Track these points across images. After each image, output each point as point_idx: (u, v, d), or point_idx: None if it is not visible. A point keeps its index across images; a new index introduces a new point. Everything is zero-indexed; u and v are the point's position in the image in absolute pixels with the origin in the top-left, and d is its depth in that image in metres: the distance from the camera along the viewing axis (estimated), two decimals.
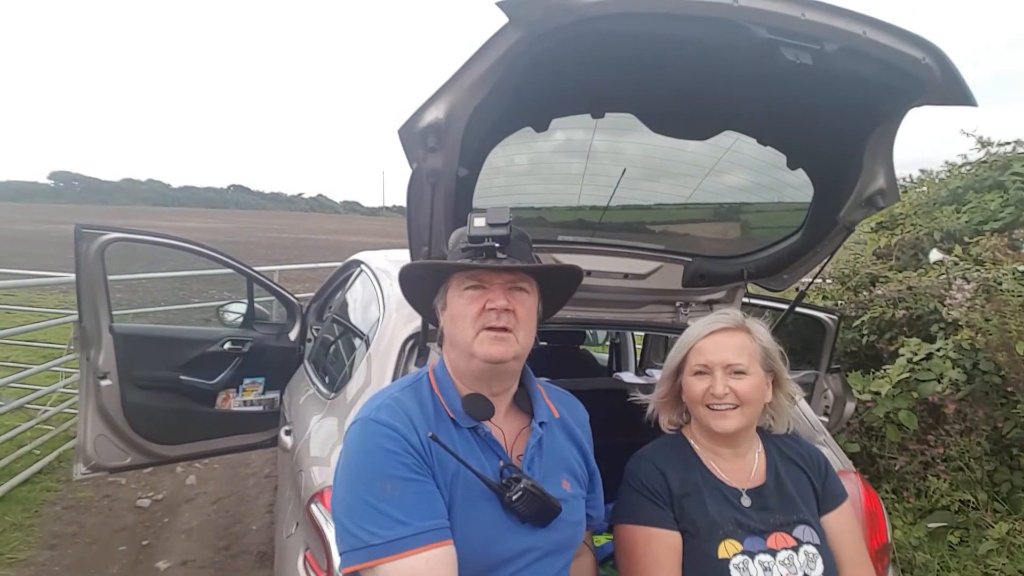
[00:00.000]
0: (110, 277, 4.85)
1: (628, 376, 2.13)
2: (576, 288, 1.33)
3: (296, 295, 3.52)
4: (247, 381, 3.31)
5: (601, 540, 2.09)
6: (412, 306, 1.36)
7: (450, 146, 1.39)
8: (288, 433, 2.20)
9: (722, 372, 1.35)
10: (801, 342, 3.62)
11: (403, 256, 1.66)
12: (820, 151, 1.72)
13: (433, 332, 1.31)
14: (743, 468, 1.40)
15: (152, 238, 3.06)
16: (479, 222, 1.16)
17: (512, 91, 1.36)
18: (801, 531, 1.33)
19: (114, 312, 2.93)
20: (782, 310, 2.76)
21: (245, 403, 3.30)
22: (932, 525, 3.14)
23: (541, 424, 1.25)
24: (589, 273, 1.94)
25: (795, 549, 1.30)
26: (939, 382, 3.17)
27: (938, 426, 3.32)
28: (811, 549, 1.31)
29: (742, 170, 1.87)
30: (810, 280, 2.22)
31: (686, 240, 2.12)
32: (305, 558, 1.55)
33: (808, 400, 2.98)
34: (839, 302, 4.23)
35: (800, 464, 1.43)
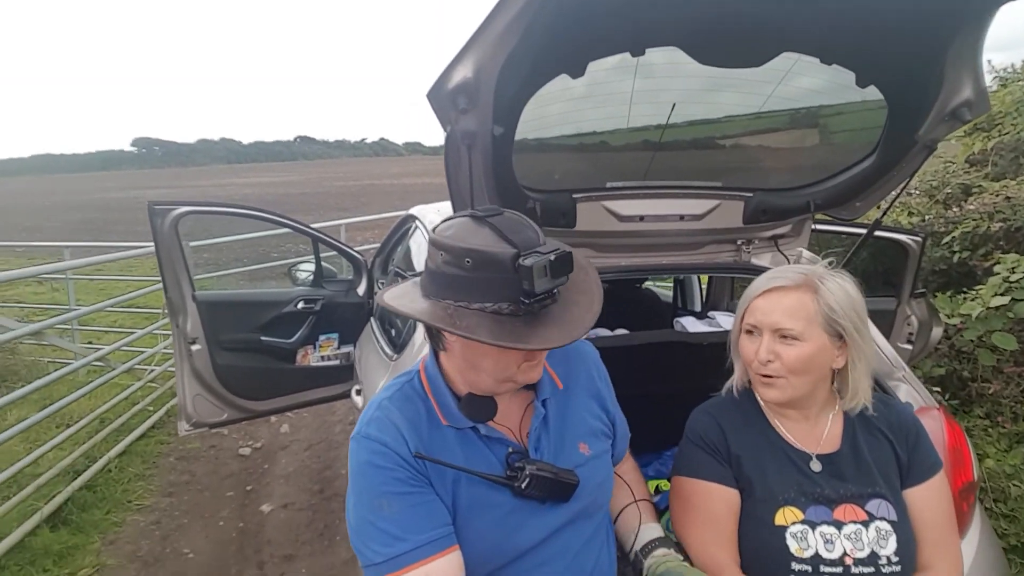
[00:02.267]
0: (192, 243, 5.15)
1: (690, 322, 2.06)
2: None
3: (364, 247, 3.60)
4: (322, 337, 3.48)
5: (668, 485, 2.10)
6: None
7: (482, 105, 1.33)
8: (359, 393, 2.29)
9: (770, 335, 1.24)
10: (882, 267, 3.40)
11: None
12: (894, 64, 1.54)
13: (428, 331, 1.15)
14: (813, 431, 1.30)
15: (218, 208, 3.19)
16: (542, 284, 0.94)
17: (542, 38, 1.27)
18: (875, 505, 1.22)
19: (199, 276, 3.11)
20: (858, 235, 2.59)
21: (323, 358, 3.48)
22: None
23: (544, 401, 1.18)
24: (642, 218, 1.87)
25: (865, 524, 1.20)
26: None
27: None
28: (884, 526, 1.20)
29: (804, 93, 1.71)
30: (889, 203, 2.04)
31: (745, 174, 1.99)
32: None
33: (887, 330, 2.82)
34: (926, 217, 3.90)
35: (885, 432, 1.29)
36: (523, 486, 1.07)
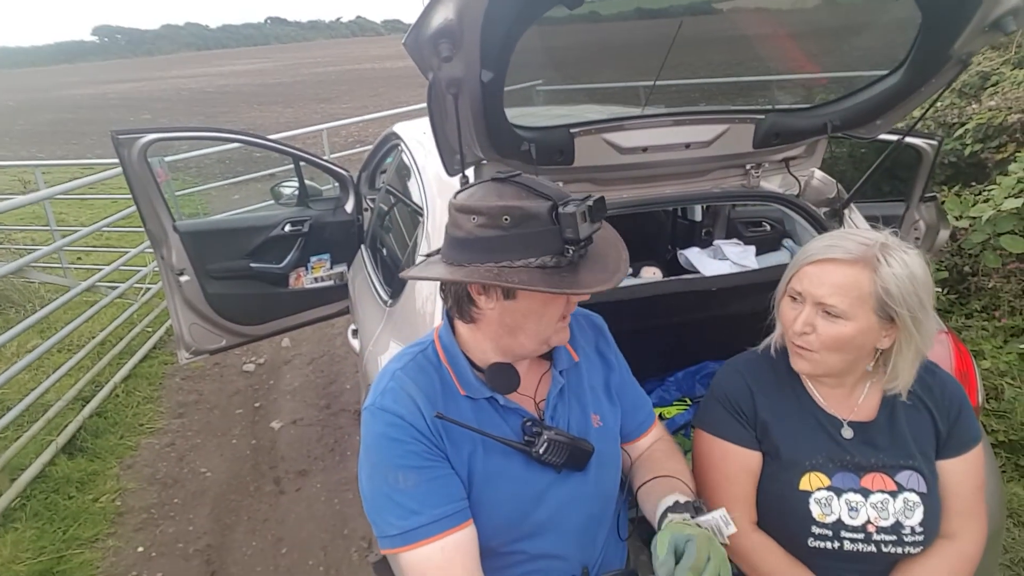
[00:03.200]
0: (168, 158, 4.88)
1: (696, 255, 1.98)
2: None
3: (348, 152, 3.40)
4: (314, 259, 3.41)
5: (672, 412, 2.13)
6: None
7: (468, 49, 1.16)
8: (355, 335, 2.25)
9: (811, 307, 1.16)
10: (892, 166, 3.26)
11: None
12: None
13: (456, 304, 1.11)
14: (848, 398, 1.26)
15: (188, 133, 2.99)
16: (584, 229, 0.96)
17: None
18: (906, 477, 1.20)
19: (183, 192, 2.96)
20: (881, 141, 2.45)
21: (316, 279, 3.43)
22: None
23: (562, 372, 1.19)
24: (645, 149, 1.74)
25: (893, 495, 1.19)
26: None
27: None
28: (913, 497, 1.18)
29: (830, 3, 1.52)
30: (917, 118, 1.88)
31: (757, 94, 1.82)
32: None
33: (896, 234, 2.74)
34: (938, 106, 3.69)
35: (927, 403, 1.24)
36: (541, 451, 1.08)
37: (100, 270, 4.65)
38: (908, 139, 2.61)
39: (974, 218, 2.95)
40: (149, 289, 5.11)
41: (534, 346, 1.10)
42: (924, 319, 1.14)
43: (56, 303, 3.70)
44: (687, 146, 1.75)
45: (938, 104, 3.88)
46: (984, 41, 1.52)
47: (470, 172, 1.56)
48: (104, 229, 5.06)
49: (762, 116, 1.75)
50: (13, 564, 2.54)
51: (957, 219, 3.03)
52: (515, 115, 1.46)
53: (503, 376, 1.11)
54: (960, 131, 3.51)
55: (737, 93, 1.80)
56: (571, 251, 0.97)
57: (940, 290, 3.42)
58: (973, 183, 3.48)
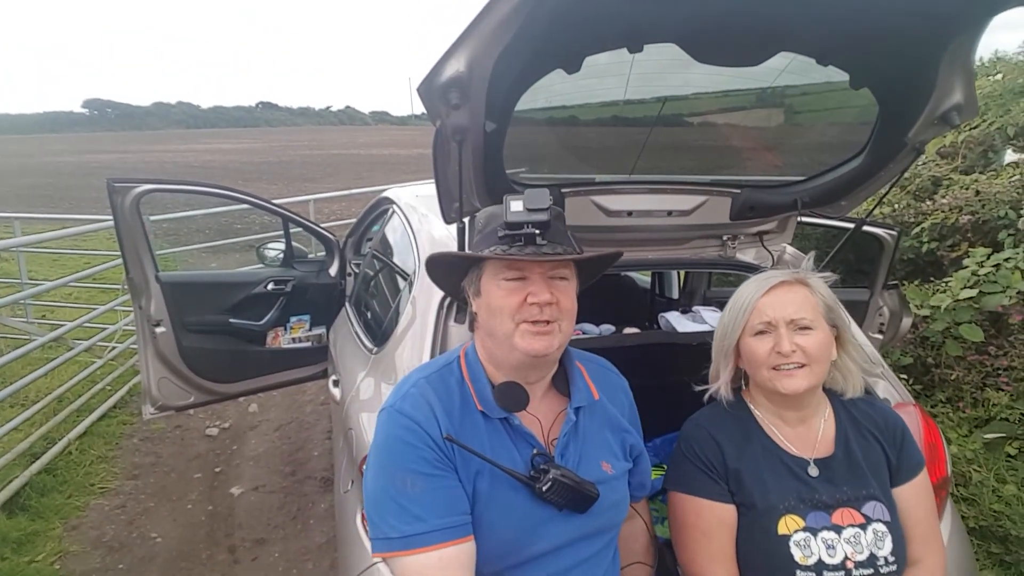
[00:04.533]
0: (152, 217, 4.93)
1: (675, 318, 2.06)
2: (610, 265, 1.26)
3: (335, 222, 3.49)
4: (293, 319, 3.40)
5: (656, 474, 2.12)
6: (438, 286, 1.30)
7: (475, 100, 1.27)
8: (336, 384, 2.24)
9: (786, 328, 1.25)
10: (855, 258, 3.45)
11: (432, 191, 1.58)
12: (888, 67, 1.52)
13: (463, 315, 1.24)
14: (808, 435, 1.32)
15: (182, 186, 3.05)
16: (516, 206, 1.07)
17: (539, 32, 1.21)
18: (871, 508, 1.25)
19: (160, 252, 2.98)
20: (841, 229, 2.61)
21: (294, 340, 3.41)
22: (989, 436, 3.08)
23: (577, 410, 1.20)
24: (630, 213, 1.84)
25: (863, 527, 1.23)
26: (1005, 293, 2.99)
27: (1000, 336, 3.18)
28: (880, 527, 1.23)
29: (797, 92, 1.69)
30: (875, 202, 2.05)
31: (734, 171, 1.97)
32: (362, 516, 1.61)
33: (859, 320, 2.87)
34: (897, 207, 3.98)
35: (874, 433, 1.33)
36: (544, 489, 1.08)
37: (65, 325, 4.55)
38: (870, 229, 2.80)
39: (935, 307, 3.12)
40: (115, 348, 4.98)
41: (506, 348, 1.13)
42: (849, 324, 1.33)
43: (14, 353, 3.59)
44: (669, 213, 1.86)
45: (896, 205, 4.17)
46: (934, 132, 1.69)
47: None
48: (73, 285, 5.00)
49: (738, 190, 1.88)
50: None
51: (918, 308, 3.19)
52: (513, 164, 1.56)
53: (511, 394, 1.14)
54: (917, 230, 3.76)
55: (718, 168, 1.94)
56: (504, 234, 1.08)
57: (906, 378, 3.52)
58: (932, 278, 3.69)
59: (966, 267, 3.09)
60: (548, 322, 1.10)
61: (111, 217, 2.80)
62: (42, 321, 5.84)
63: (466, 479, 1.09)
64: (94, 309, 5.06)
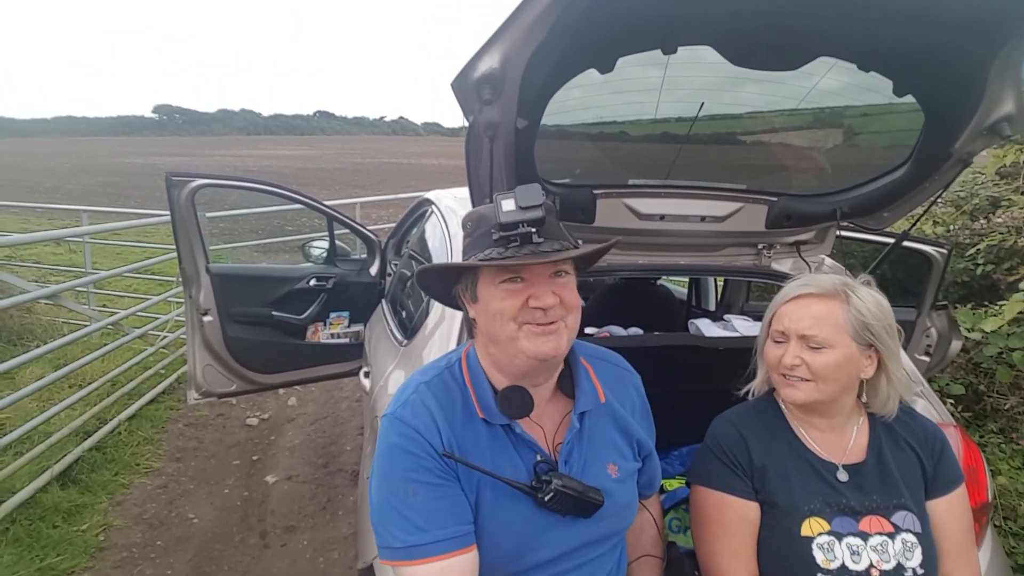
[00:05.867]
0: (209, 214, 5.16)
1: (705, 324, 2.03)
2: (604, 253, 1.18)
3: (378, 226, 3.58)
4: (333, 315, 3.49)
5: (673, 484, 2.10)
6: (430, 295, 1.28)
7: (507, 97, 1.30)
8: (367, 376, 2.29)
9: (796, 342, 1.24)
10: (903, 275, 3.33)
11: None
12: (934, 74, 1.49)
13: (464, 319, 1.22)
14: (839, 441, 1.29)
15: (235, 182, 3.19)
16: (508, 205, 1.02)
17: (573, 31, 1.24)
18: (901, 517, 1.21)
19: (213, 247, 3.11)
20: (884, 244, 2.53)
21: (332, 335, 3.49)
22: None
23: (582, 415, 1.16)
24: (663, 217, 1.84)
25: (891, 536, 1.19)
26: None
27: None
28: (910, 538, 1.19)
29: (837, 97, 1.66)
30: (919, 215, 1.99)
31: (771, 177, 1.94)
32: None
33: (906, 341, 2.77)
34: (951, 228, 3.82)
35: (911, 443, 1.29)
36: (546, 499, 1.06)
37: (121, 313, 4.79)
38: (918, 246, 2.71)
39: (986, 332, 2.98)
40: (166, 337, 5.20)
41: (511, 352, 1.08)
42: (896, 346, 1.25)
43: (74, 335, 3.81)
44: (703, 219, 1.85)
45: (951, 226, 4.01)
46: (983, 143, 1.64)
47: None
48: (131, 276, 5.26)
49: (775, 198, 1.86)
50: None
51: (969, 331, 3.05)
52: (544, 163, 1.58)
53: (515, 400, 1.11)
54: (972, 251, 3.60)
55: (755, 174, 1.92)
56: (498, 235, 1.03)
57: (955, 406, 3.37)
58: (987, 302, 3.53)
59: (1022, 290, 2.94)
60: (553, 322, 1.06)
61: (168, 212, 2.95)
62: (102, 309, 6.15)
63: (468, 488, 1.07)
64: (149, 299, 5.32)
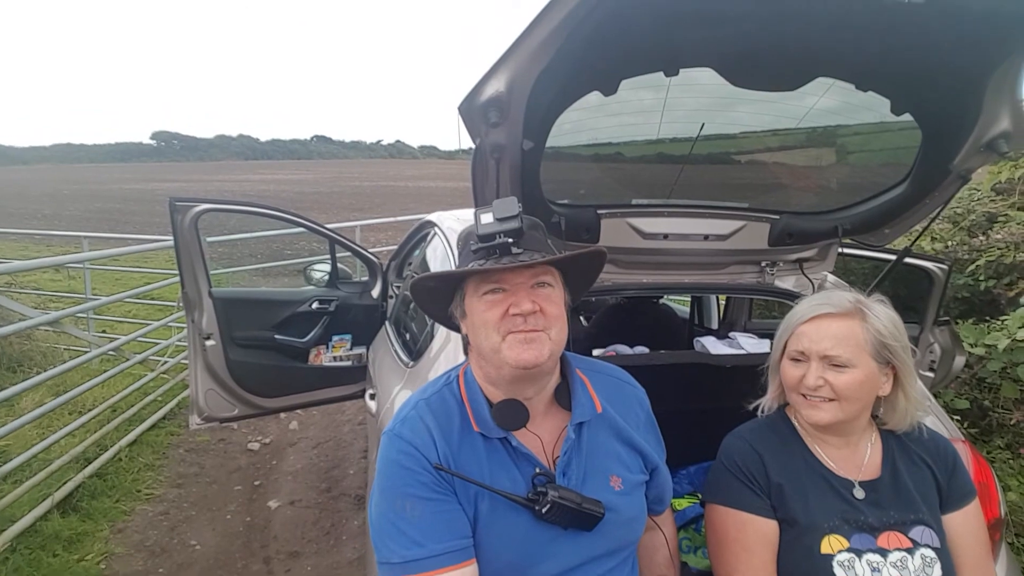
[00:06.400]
0: (209, 239, 5.17)
1: (711, 343, 2.04)
2: (600, 270, 1.21)
3: (378, 248, 3.60)
4: (335, 338, 3.49)
5: (683, 504, 2.08)
6: (428, 316, 1.31)
7: (513, 119, 1.32)
8: (373, 398, 2.29)
9: (818, 362, 1.23)
10: (904, 292, 3.35)
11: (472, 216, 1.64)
12: (931, 93, 1.52)
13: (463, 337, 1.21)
14: (854, 457, 1.28)
15: (238, 207, 3.21)
16: (486, 218, 1.07)
17: (577, 55, 1.26)
18: (919, 532, 1.20)
19: (215, 272, 3.11)
20: (885, 262, 2.55)
21: (335, 358, 3.49)
22: None
23: (579, 426, 1.16)
24: (666, 236, 1.86)
25: (910, 551, 1.18)
26: None
27: None
28: (929, 553, 1.18)
29: (836, 117, 1.69)
30: (919, 231, 2.00)
31: (773, 196, 1.97)
32: None
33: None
34: (950, 244, 3.85)
35: (924, 458, 1.28)
36: (543, 511, 1.06)
37: (121, 339, 4.78)
38: (919, 262, 2.73)
39: (990, 346, 2.98)
40: (167, 362, 5.19)
41: (496, 363, 1.10)
42: (911, 362, 1.26)
43: (74, 361, 3.80)
44: (705, 237, 1.87)
45: (949, 242, 4.04)
46: (981, 160, 1.66)
47: None
48: (131, 301, 5.26)
49: (777, 216, 1.88)
50: None
51: (972, 347, 3.06)
52: (549, 184, 1.60)
53: (509, 412, 1.12)
54: (972, 267, 3.62)
55: (757, 192, 1.94)
56: (478, 247, 1.08)
57: (960, 420, 3.36)
58: (988, 317, 3.54)
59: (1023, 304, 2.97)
60: (533, 329, 1.07)
61: (170, 238, 2.96)
62: (102, 335, 6.13)
63: (466, 502, 1.07)
64: (149, 324, 5.31)
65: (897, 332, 1.25)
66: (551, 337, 1.09)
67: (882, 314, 1.25)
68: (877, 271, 3.25)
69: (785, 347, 1.30)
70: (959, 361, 2.88)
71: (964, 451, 1.75)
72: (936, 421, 1.77)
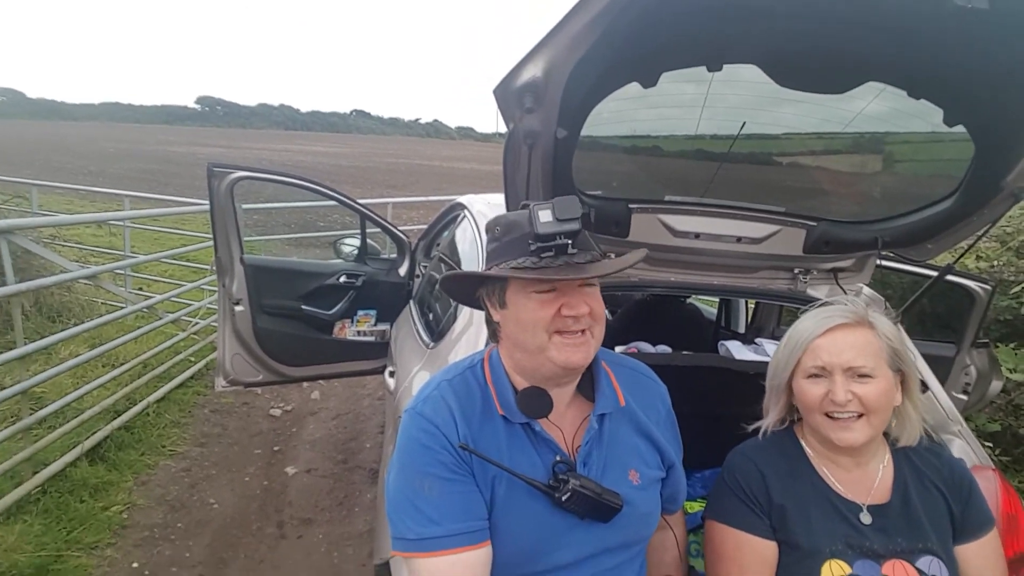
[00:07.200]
0: (245, 206, 5.26)
1: (735, 347, 2.00)
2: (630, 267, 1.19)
3: (409, 227, 3.61)
4: (360, 312, 3.53)
5: (695, 507, 2.06)
6: (451, 297, 1.30)
7: (548, 106, 1.30)
8: (392, 375, 2.31)
9: (843, 376, 1.17)
10: (944, 310, 3.24)
11: (503, 201, 1.62)
12: (987, 106, 1.44)
13: (487, 323, 1.20)
14: (864, 480, 1.24)
15: (274, 176, 3.25)
16: (546, 216, 1.02)
17: (617, 45, 1.24)
18: (927, 563, 1.15)
19: (247, 239, 3.16)
20: (925, 277, 2.47)
21: (359, 333, 3.53)
22: None
23: (601, 417, 1.16)
24: (698, 235, 1.82)
25: None
26: None
27: None
28: None
29: (884, 123, 1.63)
30: (964, 249, 1.93)
31: (811, 201, 1.91)
32: None
33: (943, 378, 2.69)
34: (995, 263, 3.70)
35: (937, 484, 1.23)
36: (563, 499, 1.06)
37: (155, 297, 4.92)
38: (961, 281, 2.63)
39: None
40: (198, 324, 5.32)
41: (538, 360, 1.10)
42: (915, 370, 1.24)
43: (110, 316, 3.92)
44: (738, 239, 1.82)
45: (996, 261, 3.89)
46: None
47: None
48: (167, 261, 5.40)
49: (815, 223, 1.82)
50: (13, 553, 2.53)
51: (1011, 372, 2.95)
52: (581, 174, 1.58)
53: (535, 400, 1.12)
54: (1016, 288, 3.48)
55: (795, 197, 1.89)
56: (535, 246, 1.03)
57: (991, 447, 3.26)
58: None
59: None
60: (583, 331, 1.08)
61: (207, 202, 3.01)
62: (138, 292, 6.32)
63: (483, 484, 1.08)
64: (183, 286, 5.44)
65: (902, 339, 1.24)
66: (594, 335, 1.10)
67: (885, 322, 1.23)
68: (916, 286, 3.15)
69: (797, 366, 1.24)
70: (996, 386, 2.79)
71: (993, 479, 1.68)
72: (964, 446, 1.71)
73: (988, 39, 1.20)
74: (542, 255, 1.04)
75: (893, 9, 1.16)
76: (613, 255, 1.23)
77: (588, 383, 1.20)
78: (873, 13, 1.18)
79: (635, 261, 1.12)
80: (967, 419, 3.00)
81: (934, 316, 3.33)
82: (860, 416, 1.17)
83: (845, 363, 1.18)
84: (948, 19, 1.12)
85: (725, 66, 1.39)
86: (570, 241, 1.04)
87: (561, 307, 1.06)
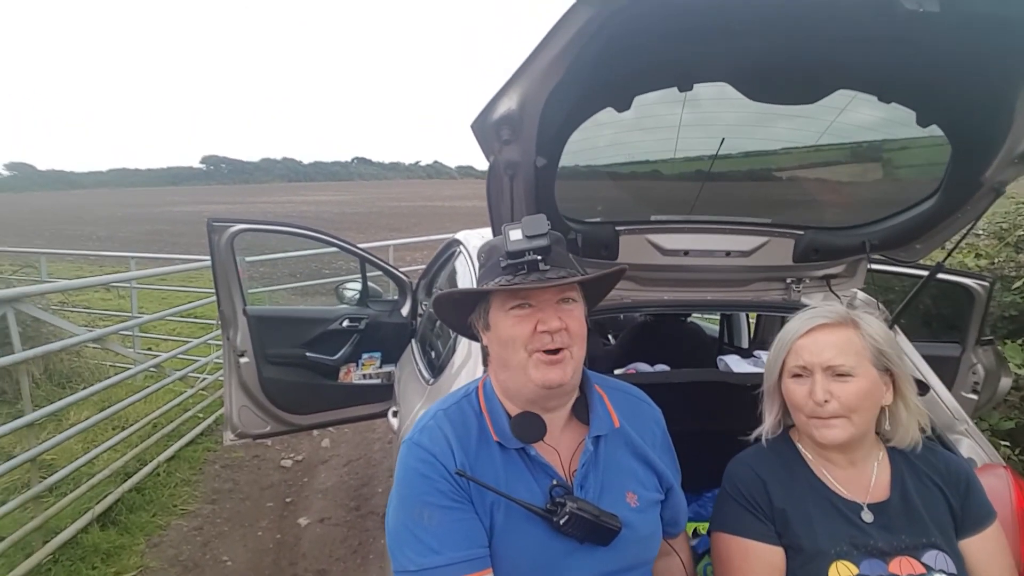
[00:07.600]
0: (248, 258, 5.32)
1: (734, 361, 2.00)
2: (616, 284, 1.24)
3: (411, 268, 3.63)
4: (365, 356, 3.53)
5: (706, 528, 2.02)
6: (446, 324, 1.33)
7: (526, 136, 1.34)
8: (395, 415, 2.31)
9: (822, 375, 1.19)
10: (947, 310, 3.22)
11: None
12: (957, 104, 1.47)
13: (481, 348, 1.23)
14: (860, 478, 1.24)
15: (272, 227, 3.30)
16: (515, 235, 1.09)
17: (588, 72, 1.27)
18: (932, 557, 1.14)
19: (253, 290, 3.19)
20: (919, 278, 2.46)
21: (364, 376, 3.52)
22: None
23: (597, 439, 1.17)
24: (687, 253, 1.84)
25: None
26: None
27: None
28: None
29: (859, 129, 1.65)
30: (952, 246, 1.94)
31: (797, 211, 1.93)
32: None
33: (950, 378, 2.66)
34: (995, 260, 3.69)
35: (934, 479, 1.23)
36: (561, 522, 1.06)
37: (162, 355, 4.94)
38: (957, 279, 2.63)
39: None
40: (205, 379, 5.33)
41: (520, 380, 1.12)
42: (907, 370, 1.24)
43: (118, 377, 3.93)
44: (728, 254, 1.84)
45: (996, 258, 3.88)
46: (1015, 172, 1.60)
47: None
48: (174, 319, 5.43)
49: (801, 232, 1.84)
50: None
51: (1019, 367, 2.91)
52: (566, 200, 1.61)
53: (528, 425, 1.14)
54: (1019, 283, 3.46)
55: (780, 207, 1.90)
56: (506, 263, 1.08)
57: (1011, 448, 3.20)
58: None
59: None
60: (560, 350, 1.10)
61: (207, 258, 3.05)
62: (146, 352, 6.35)
63: (482, 511, 1.08)
64: (189, 342, 5.48)
65: (890, 339, 1.23)
66: (573, 355, 1.12)
67: (873, 322, 1.24)
68: (902, 293, 3.14)
69: (783, 366, 1.27)
70: (1005, 383, 2.75)
71: (1004, 477, 1.66)
72: (973, 445, 1.69)
73: (945, 39, 1.23)
74: (516, 272, 1.09)
75: (850, 18, 1.19)
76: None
77: (583, 406, 1.21)
78: (831, 24, 1.21)
79: (606, 273, 1.16)
80: (980, 419, 2.96)
81: (939, 317, 3.30)
82: (840, 416, 1.18)
83: (824, 362, 1.20)
84: (903, 24, 1.15)
85: (696, 85, 1.42)
86: (540, 257, 1.08)
87: (537, 323, 1.09)
